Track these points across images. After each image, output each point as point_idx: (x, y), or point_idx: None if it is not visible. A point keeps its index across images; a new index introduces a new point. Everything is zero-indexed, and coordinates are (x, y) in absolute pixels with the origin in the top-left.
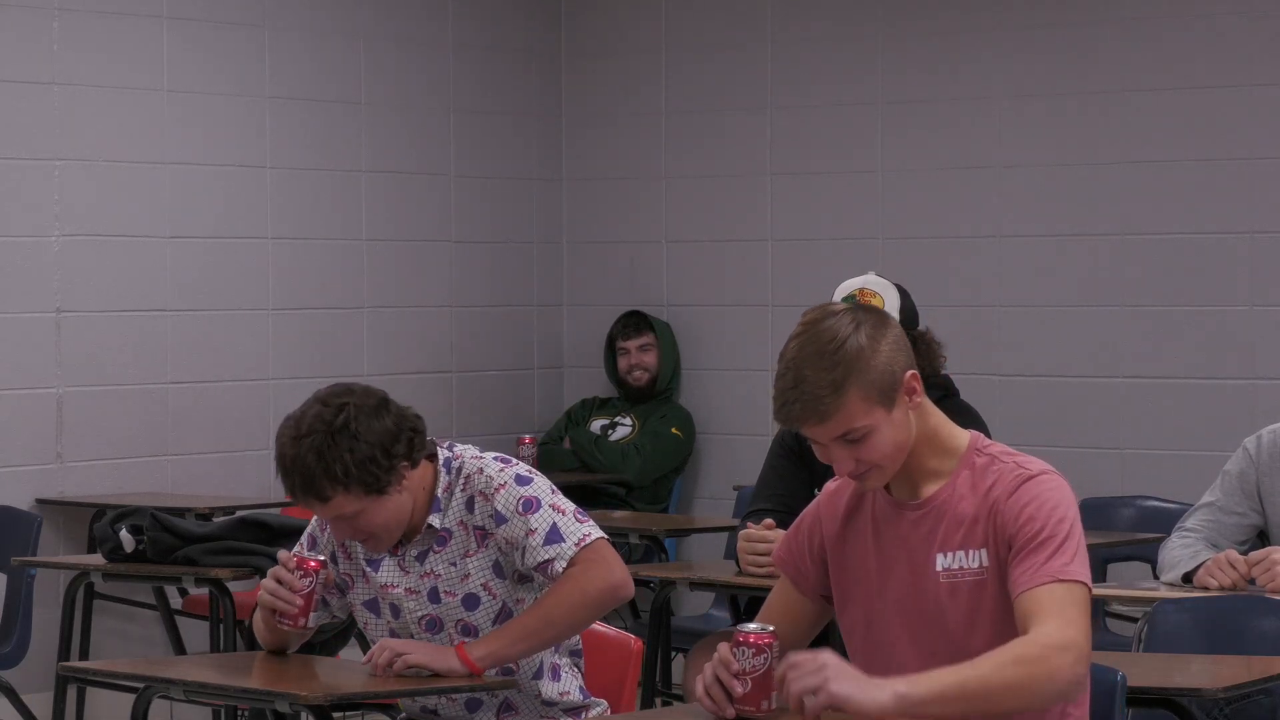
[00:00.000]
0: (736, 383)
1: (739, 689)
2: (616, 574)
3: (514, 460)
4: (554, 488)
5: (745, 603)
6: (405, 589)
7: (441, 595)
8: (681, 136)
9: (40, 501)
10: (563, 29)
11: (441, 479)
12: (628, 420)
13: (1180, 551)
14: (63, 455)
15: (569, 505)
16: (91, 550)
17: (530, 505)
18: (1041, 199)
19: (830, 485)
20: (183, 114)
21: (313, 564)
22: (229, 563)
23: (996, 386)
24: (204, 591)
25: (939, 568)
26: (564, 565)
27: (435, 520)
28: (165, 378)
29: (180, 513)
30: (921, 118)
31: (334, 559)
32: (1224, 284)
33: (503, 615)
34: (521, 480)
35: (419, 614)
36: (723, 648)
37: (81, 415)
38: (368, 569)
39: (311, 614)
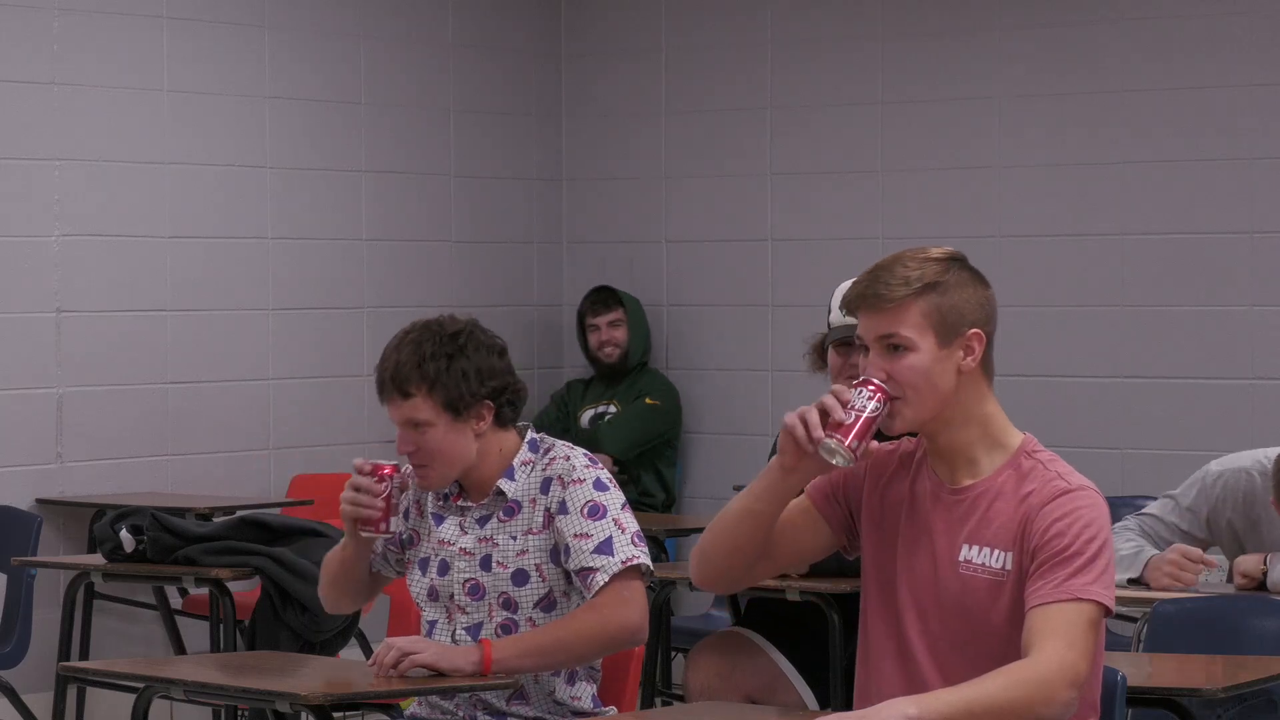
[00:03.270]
0: (737, 382)
1: (841, 416)
2: (636, 618)
3: (600, 464)
4: (625, 504)
5: (746, 603)
6: (460, 549)
7: (494, 564)
8: (681, 136)
9: (40, 501)
10: (563, 29)
11: (524, 452)
12: (613, 408)
13: (1124, 547)
14: (63, 455)
15: (632, 525)
16: (91, 550)
17: (596, 511)
18: (1041, 199)
19: (886, 446)
20: (183, 114)
21: (387, 469)
22: (229, 563)
23: (997, 386)
24: (204, 591)
25: (961, 558)
26: (605, 579)
27: (507, 487)
28: (165, 378)
29: (180, 513)
30: (921, 118)
31: (406, 515)
32: (1224, 284)
33: (546, 600)
34: (599, 485)
35: (465, 576)
36: (840, 387)
37: (81, 415)
38: (431, 523)
39: (392, 519)
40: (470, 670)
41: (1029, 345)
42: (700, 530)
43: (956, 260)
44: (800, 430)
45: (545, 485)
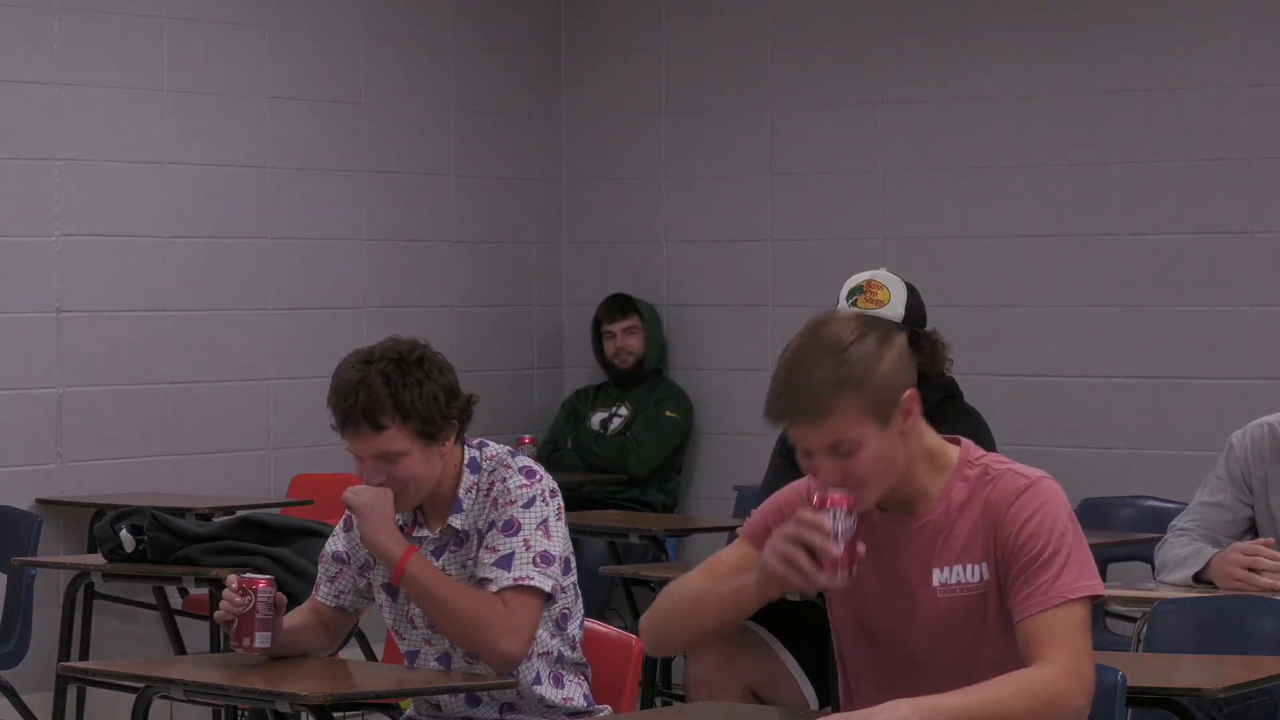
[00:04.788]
0: (736, 382)
1: (836, 551)
2: (515, 647)
3: (539, 476)
4: (545, 521)
5: None
6: None
7: None
8: (681, 136)
9: (40, 501)
10: (563, 29)
11: (466, 478)
12: (624, 410)
13: (1182, 550)
14: (63, 455)
15: (541, 544)
16: (91, 550)
17: (510, 526)
18: (1041, 199)
19: None
20: (183, 114)
21: (261, 583)
22: (229, 563)
23: (996, 386)
24: (204, 591)
25: (935, 583)
26: (495, 590)
27: (456, 521)
28: (165, 378)
29: (180, 513)
30: (921, 118)
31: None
32: (1224, 284)
33: None
34: (527, 504)
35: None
36: (806, 512)
37: (81, 415)
38: None
39: (259, 634)
40: (389, 556)
41: (1029, 345)
42: (701, 530)
43: (859, 331)
44: (796, 579)
45: (483, 510)
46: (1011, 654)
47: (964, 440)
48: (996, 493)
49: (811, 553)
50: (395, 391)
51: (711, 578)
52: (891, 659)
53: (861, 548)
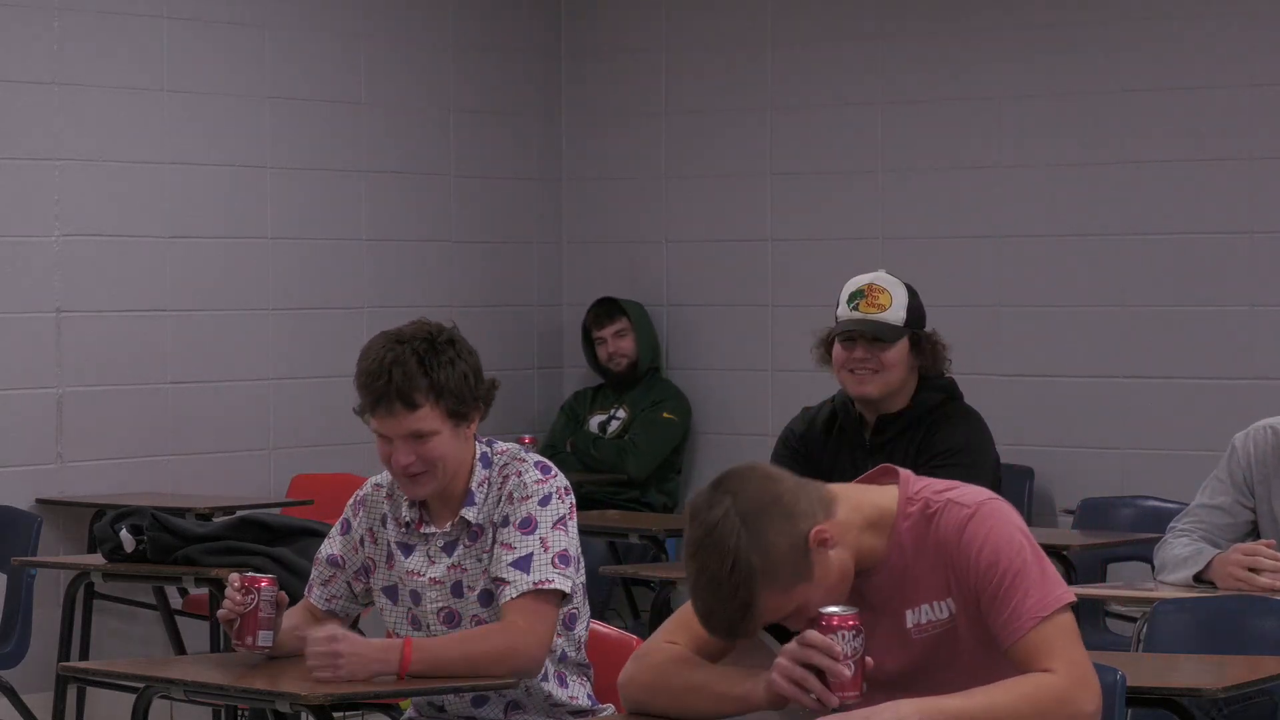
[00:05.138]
0: (736, 382)
1: (847, 673)
2: (539, 652)
3: (554, 473)
4: (562, 519)
5: None
6: (430, 578)
7: (465, 590)
8: (681, 136)
9: (40, 501)
10: (563, 29)
11: (478, 472)
12: (622, 412)
13: (1182, 550)
14: (63, 455)
15: (559, 544)
16: (91, 550)
17: (527, 524)
18: (1041, 199)
19: None
20: (183, 114)
21: (264, 582)
22: (229, 563)
23: (996, 386)
24: (204, 591)
25: (910, 624)
26: (514, 595)
27: (470, 514)
28: (165, 378)
29: (180, 513)
30: (921, 118)
31: (362, 542)
32: (1224, 284)
33: None
34: (543, 501)
35: (438, 605)
36: (814, 636)
37: (81, 415)
38: (397, 553)
39: (261, 633)
40: (388, 675)
41: (1029, 345)
42: None
43: (738, 520)
44: (809, 702)
45: (499, 503)
46: (982, 668)
47: (901, 472)
48: (943, 528)
49: (821, 673)
50: (429, 370)
51: (703, 656)
52: (881, 691)
53: (870, 661)
